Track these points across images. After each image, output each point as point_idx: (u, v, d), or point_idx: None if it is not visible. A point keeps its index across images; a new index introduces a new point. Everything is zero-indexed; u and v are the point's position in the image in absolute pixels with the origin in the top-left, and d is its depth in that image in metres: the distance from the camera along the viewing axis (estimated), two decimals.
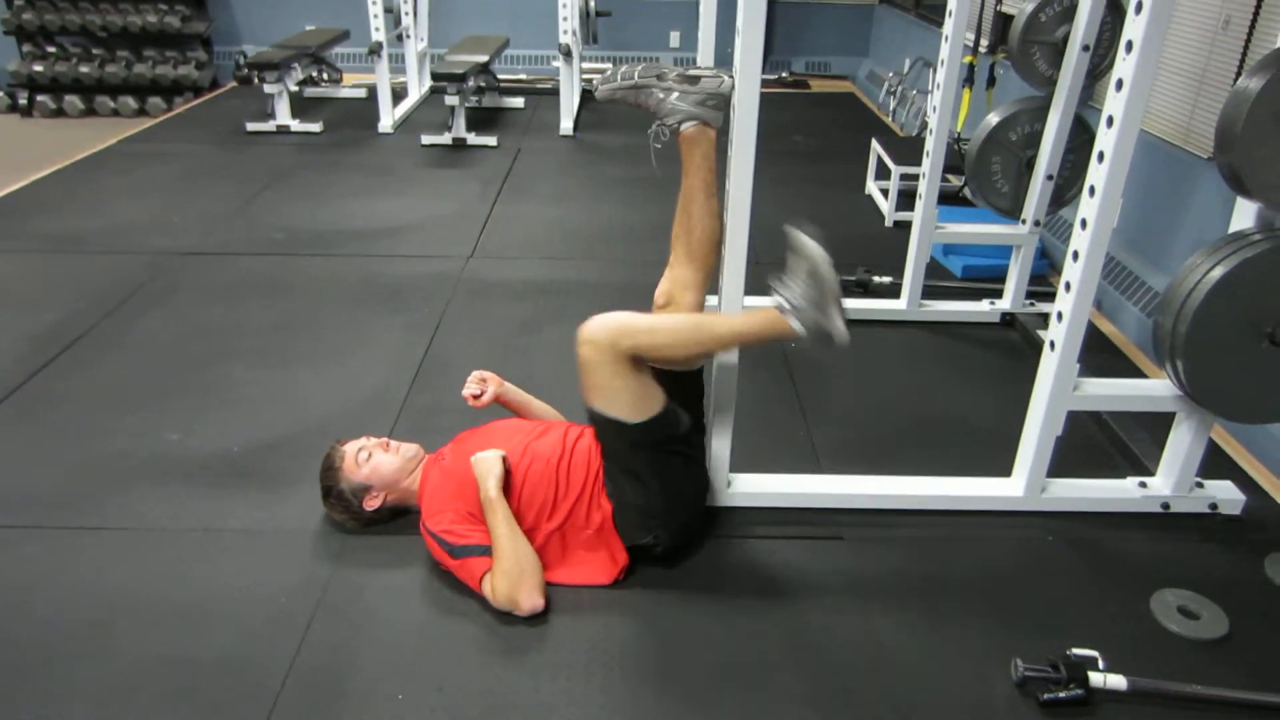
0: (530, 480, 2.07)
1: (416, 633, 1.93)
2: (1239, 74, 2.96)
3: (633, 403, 1.97)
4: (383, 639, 1.91)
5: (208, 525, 2.25)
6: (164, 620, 1.95)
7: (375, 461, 2.16)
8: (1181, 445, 2.30)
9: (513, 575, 1.94)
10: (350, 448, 2.19)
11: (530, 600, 1.94)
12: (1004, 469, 2.39)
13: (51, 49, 6.76)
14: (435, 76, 5.60)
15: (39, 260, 3.84)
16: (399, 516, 2.22)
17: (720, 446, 2.27)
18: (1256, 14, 2.90)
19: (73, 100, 6.60)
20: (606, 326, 1.95)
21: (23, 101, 6.60)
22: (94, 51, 6.75)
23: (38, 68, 6.53)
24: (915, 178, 3.39)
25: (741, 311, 2.04)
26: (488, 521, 2.01)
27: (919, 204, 3.23)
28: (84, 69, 6.56)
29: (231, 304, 3.44)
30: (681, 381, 2.10)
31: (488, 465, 2.06)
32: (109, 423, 2.67)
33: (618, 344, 1.94)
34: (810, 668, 1.87)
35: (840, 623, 1.99)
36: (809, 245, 1.90)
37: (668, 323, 2.02)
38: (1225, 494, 2.37)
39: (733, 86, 1.93)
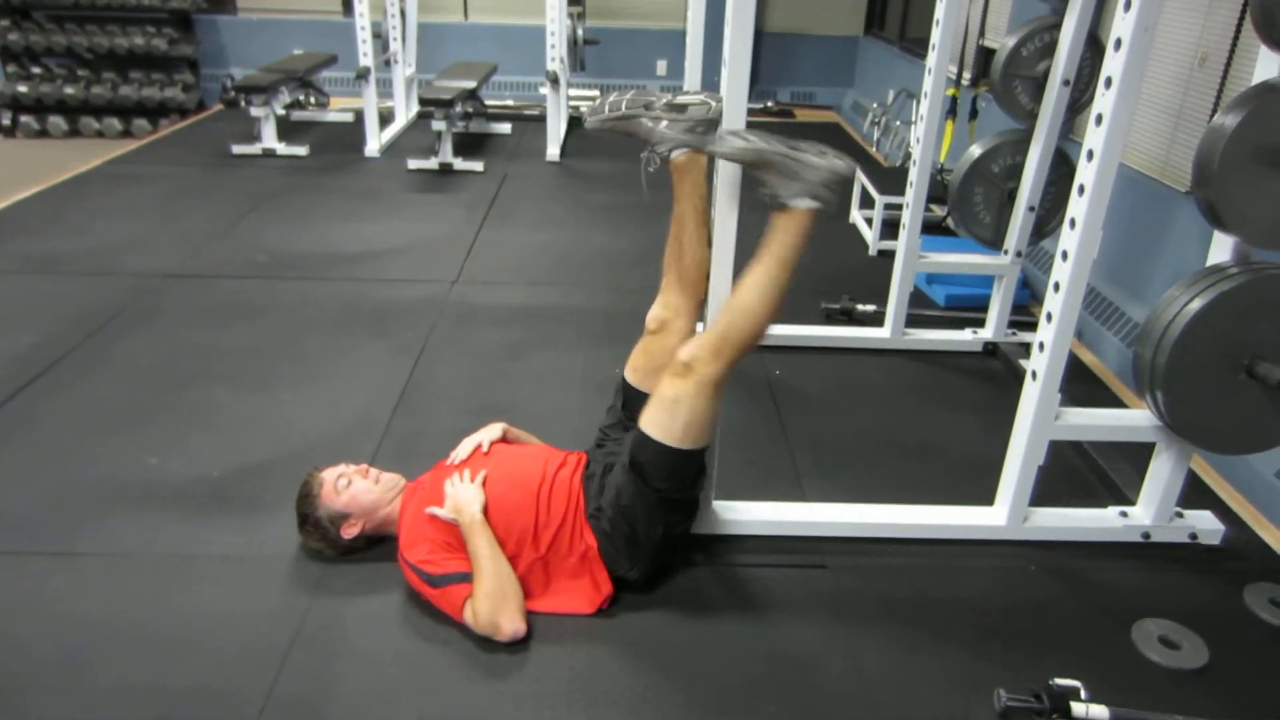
0: (508, 506, 2.05)
1: (397, 661, 1.91)
2: (1215, 110, 3.02)
3: (696, 434, 1.97)
4: (362, 667, 1.89)
5: (186, 551, 2.22)
6: (139, 648, 1.92)
7: (354, 489, 2.14)
8: (1162, 475, 2.31)
9: (495, 597, 1.92)
10: (329, 474, 2.16)
11: (512, 624, 1.92)
12: (987, 498, 2.39)
13: (37, 69, 6.74)
14: (423, 101, 5.62)
15: (20, 281, 3.81)
16: (376, 545, 2.20)
17: None
18: (1232, 52, 2.96)
19: (57, 121, 6.57)
20: (713, 351, 1.92)
21: (6, 122, 6.57)
22: (79, 73, 6.73)
23: (22, 88, 6.51)
24: (899, 207, 3.42)
25: (766, 243, 1.98)
26: (469, 545, 1.99)
27: (902, 233, 3.26)
28: (69, 90, 6.54)
29: (214, 327, 3.42)
30: None
31: (470, 493, 2.05)
32: (87, 446, 2.64)
33: (722, 355, 1.92)
34: (793, 696, 1.86)
35: (823, 651, 1.98)
36: (732, 146, 1.89)
37: (735, 314, 1.96)
38: (1205, 524, 2.39)
39: (721, 110, 1.95)
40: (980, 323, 3.51)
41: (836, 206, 1.94)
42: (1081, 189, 1.95)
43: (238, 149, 5.81)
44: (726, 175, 1.96)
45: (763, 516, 2.36)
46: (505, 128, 6.73)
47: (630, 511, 1.99)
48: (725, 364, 1.93)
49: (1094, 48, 2.97)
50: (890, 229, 4.22)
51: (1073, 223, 1.99)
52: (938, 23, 2.95)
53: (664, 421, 1.95)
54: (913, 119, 5.32)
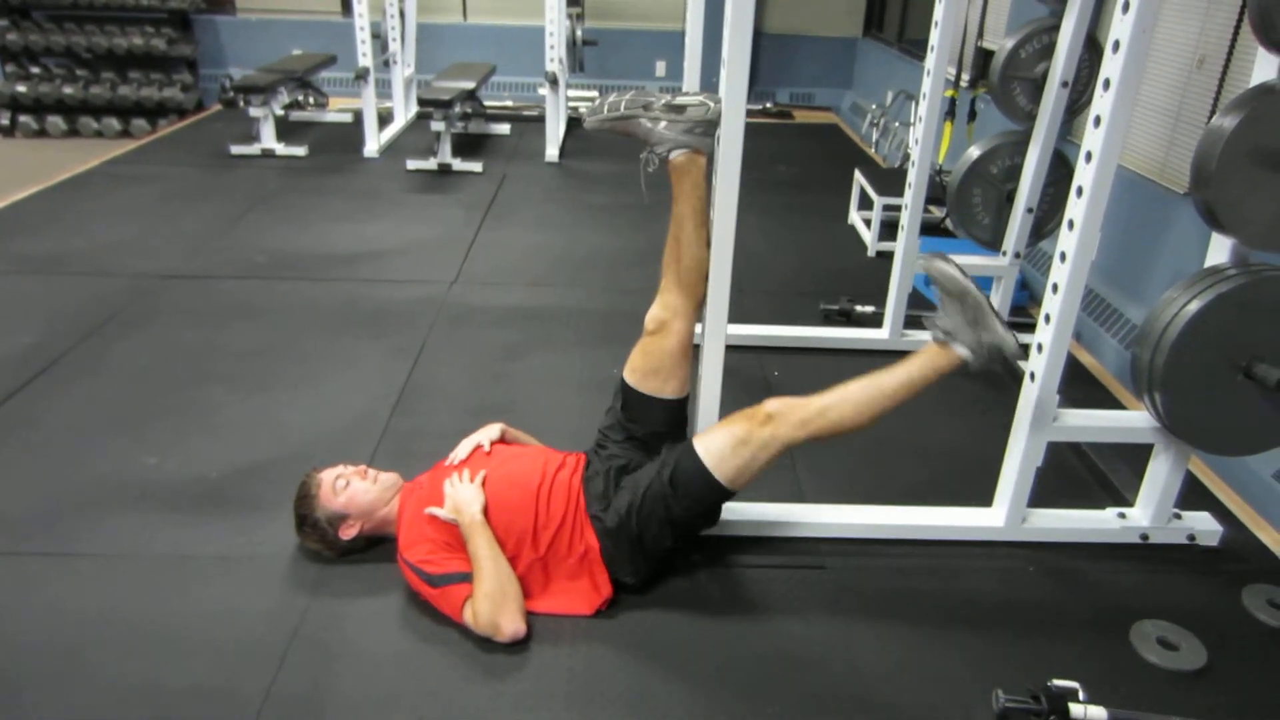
0: (508, 506, 2.05)
1: (395, 662, 1.91)
2: (1213, 112, 3.02)
3: (742, 480, 2.03)
4: (361, 668, 1.89)
5: (184, 551, 2.22)
6: (137, 648, 1.92)
7: (352, 490, 2.13)
8: (1160, 477, 2.31)
9: (495, 598, 1.92)
10: (326, 475, 2.16)
11: (512, 624, 1.92)
12: (985, 499, 2.40)
13: (35, 69, 6.74)
14: (421, 102, 5.63)
15: (18, 281, 3.80)
16: (375, 545, 2.20)
17: None
18: (1230, 53, 2.96)
19: (55, 121, 6.57)
20: (802, 419, 2.01)
21: (5, 122, 6.57)
22: (78, 73, 6.73)
23: (21, 88, 6.50)
24: (897, 209, 3.42)
25: (905, 361, 2.10)
26: (469, 545, 1.99)
27: (901, 235, 3.26)
28: (68, 90, 6.54)
29: (212, 328, 3.42)
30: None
31: (470, 493, 2.05)
32: (85, 447, 2.64)
33: (804, 429, 2.01)
34: (792, 697, 1.86)
35: (822, 652, 1.98)
36: (946, 270, 2.00)
37: (840, 398, 2.06)
38: (1203, 525, 2.39)
39: (720, 111, 1.95)
40: None
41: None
42: (1080, 191, 1.95)
43: (236, 149, 5.80)
44: (725, 178, 1.96)
45: (761, 517, 2.36)
46: (504, 128, 6.74)
47: (645, 518, 2.01)
48: (804, 436, 2.02)
49: (1092, 49, 2.98)
50: (889, 230, 4.22)
51: (1071, 224, 1.99)
52: (936, 24, 2.95)
53: (722, 453, 2.00)
54: (911, 120, 5.33)
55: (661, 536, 2.04)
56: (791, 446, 2.02)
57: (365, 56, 5.71)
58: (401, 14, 6.35)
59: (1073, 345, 2.64)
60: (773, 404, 2.03)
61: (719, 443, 2.02)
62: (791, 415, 2.01)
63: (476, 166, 5.67)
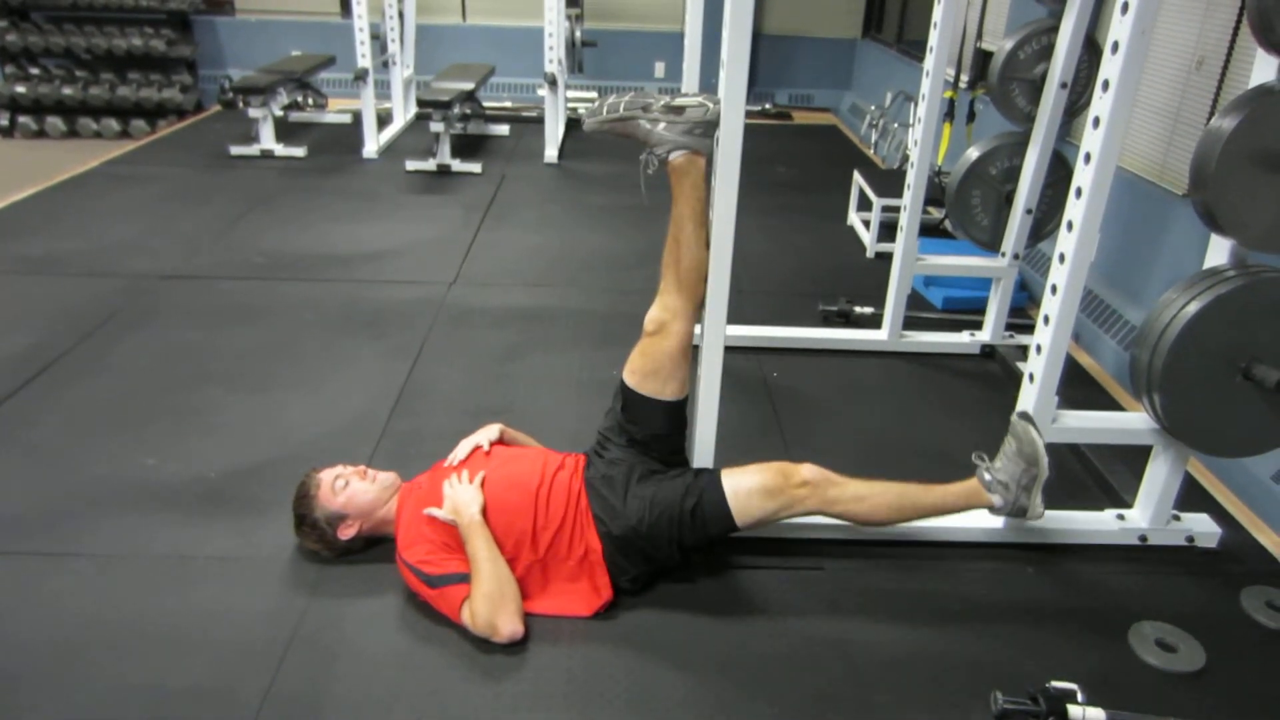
0: (507, 507, 2.05)
1: (394, 662, 1.91)
2: (1212, 113, 3.02)
3: (754, 524, 2.09)
4: (360, 668, 1.89)
5: (183, 552, 2.22)
6: (136, 648, 1.92)
7: (351, 490, 2.13)
8: (1158, 478, 2.32)
9: (493, 598, 1.92)
10: (326, 475, 2.16)
11: (510, 625, 1.92)
12: None
13: (35, 70, 6.74)
14: (420, 103, 5.63)
15: (17, 281, 3.80)
16: (374, 546, 2.20)
17: None
18: (1229, 55, 2.96)
19: (55, 122, 6.56)
20: (834, 498, 2.09)
21: (4, 123, 6.57)
22: (77, 73, 6.72)
23: (20, 89, 6.50)
24: (896, 210, 3.42)
25: (945, 489, 2.19)
26: (468, 546, 1.99)
27: (900, 236, 3.26)
28: (67, 90, 6.54)
29: (211, 328, 3.42)
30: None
31: (469, 494, 2.05)
32: (84, 447, 2.64)
33: (831, 506, 2.10)
34: (790, 699, 1.86)
35: (820, 654, 1.99)
36: (1034, 436, 2.12)
37: (876, 493, 2.14)
38: (1202, 527, 2.39)
39: (719, 112, 1.95)
40: (978, 325, 3.52)
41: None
42: (1079, 192, 1.96)
43: (235, 150, 5.80)
44: (725, 179, 1.96)
45: None
46: (503, 129, 6.74)
47: (655, 535, 2.04)
48: (831, 513, 2.12)
49: (1091, 50, 2.98)
50: (888, 231, 4.23)
51: (1070, 225, 1.99)
52: (935, 25, 2.95)
53: (750, 498, 2.05)
54: (910, 121, 5.33)
55: (669, 554, 2.07)
56: (813, 515, 2.10)
57: (364, 57, 5.70)
58: (400, 15, 6.35)
59: (1072, 346, 2.65)
60: (810, 471, 2.09)
61: (748, 486, 2.06)
62: (826, 491, 2.08)
63: (475, 167, 5.67)
